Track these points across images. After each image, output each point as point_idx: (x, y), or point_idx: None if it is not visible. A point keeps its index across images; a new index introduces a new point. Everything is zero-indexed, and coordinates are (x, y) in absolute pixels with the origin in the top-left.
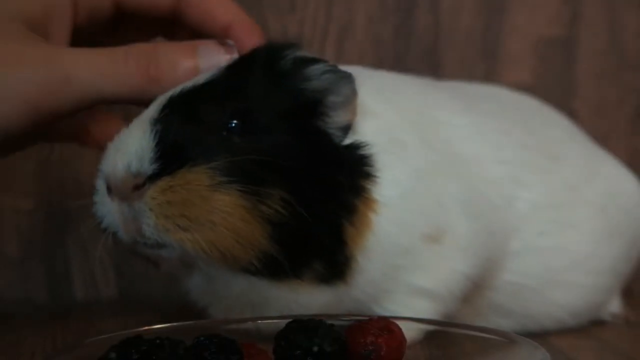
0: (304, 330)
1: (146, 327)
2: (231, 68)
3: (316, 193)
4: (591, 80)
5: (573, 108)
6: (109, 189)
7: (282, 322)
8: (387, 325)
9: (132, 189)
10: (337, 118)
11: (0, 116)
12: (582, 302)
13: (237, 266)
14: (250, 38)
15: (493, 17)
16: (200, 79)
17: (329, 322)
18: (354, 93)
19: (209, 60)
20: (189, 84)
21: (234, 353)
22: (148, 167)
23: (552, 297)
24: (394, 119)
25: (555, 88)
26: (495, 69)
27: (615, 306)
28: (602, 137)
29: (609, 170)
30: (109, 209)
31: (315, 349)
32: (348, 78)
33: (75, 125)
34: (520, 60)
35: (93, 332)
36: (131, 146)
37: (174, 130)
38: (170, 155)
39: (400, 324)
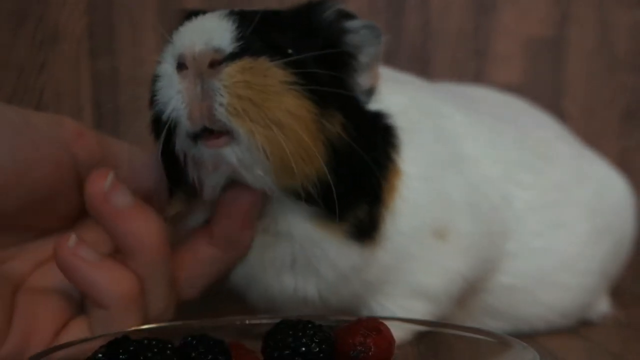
0: (292, 330)
1: (134, 328)
2: (283, 11)
3: (362, 137)
4: (581, 80)
5: (563, 108)
6: (182, 67)
7: (271, 322)
8: (375, 326)
9: (208, 64)
10: (361, 80)
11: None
12: (571, 303)
13: (291, 182)
14: None
15: (483, 17)
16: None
17: (318, 322)
18: (378, 55)
19: None
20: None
21: (222, 353)
22: (229, 45)
23: (543, 298)
24: (411, 106)
25: (545, 88)
26: (485, 68)
27: (603, 306)
28: (592, 137)
29: (598, 170)
30: (177, 89)
31: (304, 349)
32: (380, 38)
33: None
34: (510, 60)
35: None
36: (211, 24)
37: (252, 23)
38: (251, 40)
39: (390, 324)
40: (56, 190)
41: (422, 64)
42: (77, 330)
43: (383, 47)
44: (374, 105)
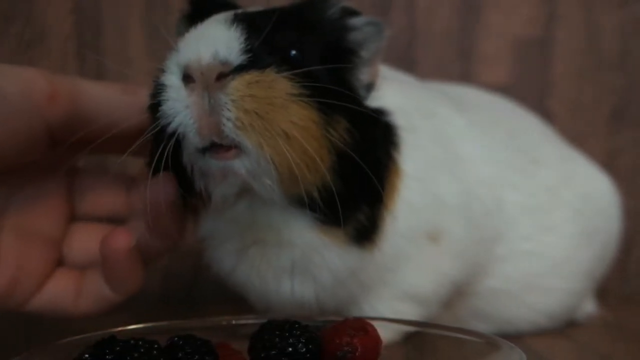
0: (279, 330)
1: (121, 328)
2: (286, 7)
3: (365, 138)
4: (568, 80)
5: (550, 108)
6: (188, 79)
7: (258, 323)
8: (362, 326)
9: (216, 77)
10: (362, 75)
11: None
12: (558, 306)
13: (298, 191)
14: None
15: (469, 17)
16: (255, 8)
17: (304, 322)
18: (379, 51)
19: None
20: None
21: (208, 353)
22: (236, 57)
23: (530, 301)
24: (409, 106)
25: (532, 88)
26: (472, 69)
27: (589, 307)
28: (579, 137)
29: (583, 171)
30: (184, 104)
31: (290, 349)
32: (383, 33)
33: None
34: (496, 60)
35: (67, 332)
36: (218, 35)
37: (260, 33)
38: (258, 52)
39: (377, 324)
40: (28, 151)
41: (408, 65)
42: (64, 280)
43: (385, 42)
44: (373, 102)
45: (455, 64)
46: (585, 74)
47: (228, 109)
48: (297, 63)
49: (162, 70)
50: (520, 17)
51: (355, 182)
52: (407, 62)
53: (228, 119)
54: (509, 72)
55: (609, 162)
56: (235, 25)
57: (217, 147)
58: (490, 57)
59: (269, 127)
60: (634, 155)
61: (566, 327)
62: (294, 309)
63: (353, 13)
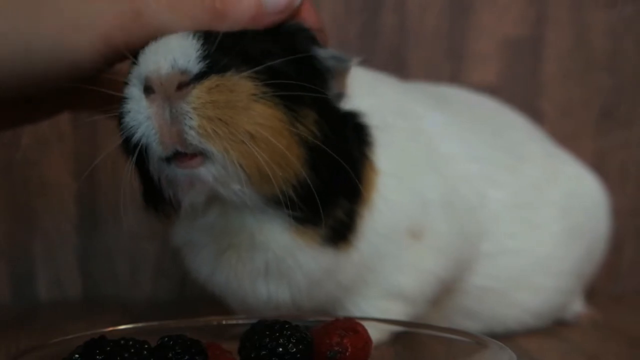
0: (269, 330)
1: (111, 328)
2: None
3: (336, 131)
4: (557, 80)
5: (539, 108)
6: (149, 90)
7: (248, 323)
8: (352, 326)
9: (176, 87)
10: (330, 85)
11: (74, 46)
12: (545, 304)
13: (271, 190)
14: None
15: (459, 17)
16: None
17: (295, 322)
18: (346, 70)
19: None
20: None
21: (198, 353)
22: (195, 65)
23: (517, 299)
24: (384, 107)
25: (522, 88)
26: (461, 69)
27: (578, 306)
28: (569, 137)
29: (571, 170)
30: (146, 115)
31: (280, 349)
32: (349, 64)
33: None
34: (486, 60)
35: (57, 332)
36: (176, 45)
37: (216, 39)
38: (217, 56)
39: (367, 324)
40: None
41: (398, 65)
42: None
43: (353, 63)
44: (346, 106)
45: (445, 64)
46: (575, 74)
47: (190, 117)
48: (258, 61)
49: (125, 83)
50: (510, 18)
51: (330, 174)
52: (397, 62)
53: (191, 128)
54: (498, 72)
55: (599, 162)
56: (192, 32)
57: (182, 155)
58: (480, 58)
59: (234, 131)
60: (623, 155)
61: (556, 327)
62: (270, 311)
63: (318, 43)
